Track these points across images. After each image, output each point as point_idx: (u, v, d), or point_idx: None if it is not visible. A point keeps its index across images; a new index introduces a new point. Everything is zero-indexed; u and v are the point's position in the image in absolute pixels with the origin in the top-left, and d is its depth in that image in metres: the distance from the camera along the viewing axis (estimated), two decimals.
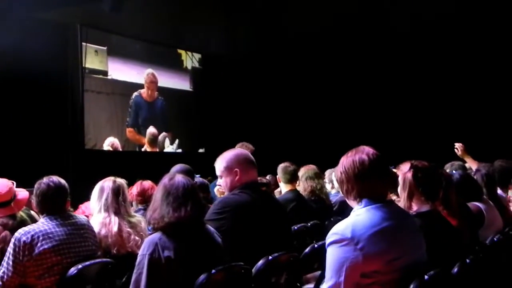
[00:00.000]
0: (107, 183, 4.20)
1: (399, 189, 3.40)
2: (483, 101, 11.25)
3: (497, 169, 5.45)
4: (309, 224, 5.08)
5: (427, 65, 11.90)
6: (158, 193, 3.14)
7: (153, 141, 12.34)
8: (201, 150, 13.45)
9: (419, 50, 11.88)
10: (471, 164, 6.41)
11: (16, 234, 3.55)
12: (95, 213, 4.18)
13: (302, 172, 5.91)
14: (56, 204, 3.75)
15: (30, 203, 4.08)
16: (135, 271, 2.97)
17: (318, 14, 11.54)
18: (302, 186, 5.88)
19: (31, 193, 3.93)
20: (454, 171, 5.23)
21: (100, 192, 4.18)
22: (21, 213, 4.49)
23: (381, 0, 11.77)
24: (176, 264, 2.93)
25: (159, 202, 3.08)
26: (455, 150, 6.67)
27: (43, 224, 3.64)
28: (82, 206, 5.52)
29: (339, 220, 2.69)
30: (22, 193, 4.58)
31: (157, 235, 3.01)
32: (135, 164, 10.65)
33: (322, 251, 2.73)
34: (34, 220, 4.42)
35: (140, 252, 3.01)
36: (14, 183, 4.54)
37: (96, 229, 3.95)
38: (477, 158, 6.46)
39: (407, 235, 2.65)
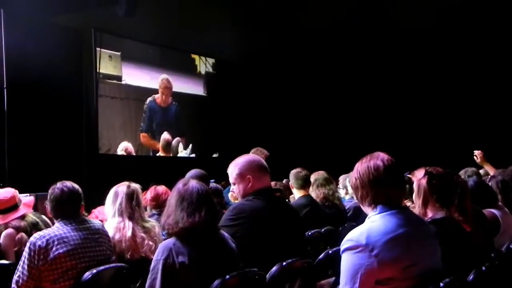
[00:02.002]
0: (121, 188, 4.21)
1: (414, 195, 3.38)
2: (502, 106, 11.10)
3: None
4: (323, 230, 5.06)
5: (444, 69, 11.76)
6: (172, 198, 3.16)
7: (167, 147, 12.34)
8: (215, 155, 13.44)
9: (436, 52, 11.72)
10: (491, 172, 6.33)
11: (32, 239, 3.57)
12: (109, 217, 4.19)
13: (312, 179, 5.87)
14: (70, 209, 3.76)
15: (44, 208, 4.10)
16: (149, 276, 2.98)
17: (332, 17, 11.46)
18: (314, 194, 5.84)
19: (44, 198, 3.95)
20: (468, 177, 5.18)
21: (114, 196, 4.20)
22: (32, 216, 4.55)
23: None
24: (190, 269, 2.93)
25: (173, 208, 3.09)
26: (474, 157, 6.61)
27: (58, 228, 3.65)
28: (95, 211, 5.54)
29: (353, 226, 2.68)
30: (27, 198, 4.69)
31: (171, 240, 3.02)
32: (149, 169, 10.64)
33: (336, 257, 2.72)
34: (46, 224, 4.47)
35: (154, 257, 3.02)
36: (17, 191, 4.64)
37: (110, 234, 3.96)
38: (495, 165, 6.39)
39: (422, 242, 2.63)
